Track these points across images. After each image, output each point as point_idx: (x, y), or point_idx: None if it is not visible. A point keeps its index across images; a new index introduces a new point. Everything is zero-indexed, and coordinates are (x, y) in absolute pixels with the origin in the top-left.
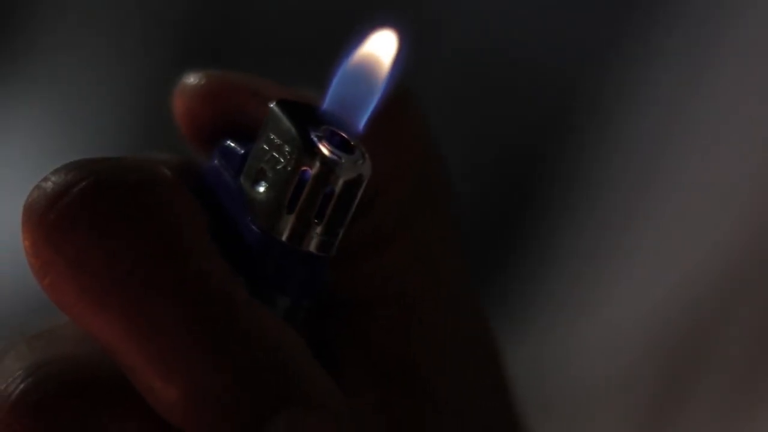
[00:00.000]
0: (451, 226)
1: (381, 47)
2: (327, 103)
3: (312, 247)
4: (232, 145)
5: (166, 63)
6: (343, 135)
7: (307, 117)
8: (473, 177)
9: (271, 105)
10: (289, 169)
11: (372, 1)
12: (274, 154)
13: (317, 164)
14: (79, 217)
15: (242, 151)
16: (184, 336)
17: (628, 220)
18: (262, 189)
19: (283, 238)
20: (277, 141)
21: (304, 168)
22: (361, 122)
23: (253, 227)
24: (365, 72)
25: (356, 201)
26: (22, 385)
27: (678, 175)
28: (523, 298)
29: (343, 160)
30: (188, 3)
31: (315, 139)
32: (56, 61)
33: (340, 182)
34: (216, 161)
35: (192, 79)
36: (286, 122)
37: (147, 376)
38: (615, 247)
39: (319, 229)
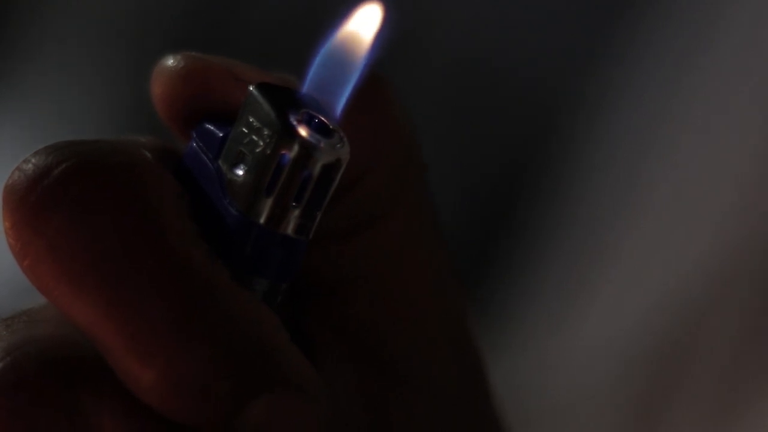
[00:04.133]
0: (430, 214)
1: (363, 25)
2: (306, 85)
3: (290, 230)
4: (211, 127)
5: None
6: (322, 119)
7: (287, 100)
8: (455, 188)
9: (251, 88)
10: (268, 152)
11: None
12: (254, 137)
13: (296, 148)
14: (59, 199)
15: (221, 134)
16: (163, 318)
17: (609, 234)
18: (240, 172)
19: (261, 220)
20: (257, 124)
21: (283, 151)
22: (340, 104)
23: (232, 210)
24: (345, 53)
25: (334, 185)
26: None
27: (659, 189)
28: (503, 311)
29: (321, 144)
30: (182, 8)
31: (294, 122)
32: (45, 67)
33: (319, 166)
34: (194, 144)
35: (170, 61)
36: (266, 105)
37: (125, 359)
38: (596, 260)
39: (297, 212)
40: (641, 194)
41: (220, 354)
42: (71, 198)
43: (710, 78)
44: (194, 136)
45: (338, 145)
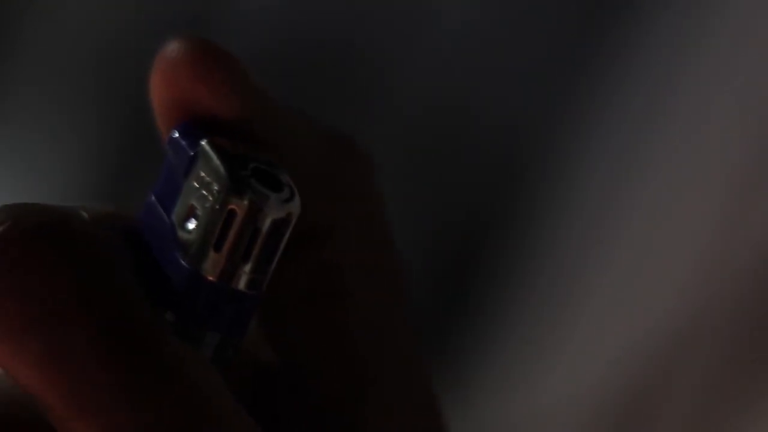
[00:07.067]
0: (400, 279)
1: None
2: None
3: (241, 285)
4: (183, 143)
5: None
6: (273, 173)
7: (237, 155)
8: (418, 240)
9: (202, 143)
10: (216, 207)
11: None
12: (204, 192)
13: (244, 203)
14: None
15: (191, 153)
16: (103, 376)
17: (575, 285)
18: (191, 227)
19: (211, 276)
20: (207, 179)
21: (232, 206)
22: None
23: (184, 264)
24: None
25: (285, 239)
26: None
27: (624, 240)
28: (467, 368)
29: (270, 199)
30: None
31: (243, 177)
32: (25, 105)
33: (268, 221)
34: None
35: (177, 44)
36: (215, 160)
37: (65, 418)
38: (562, 312)
39: (247, 267)
40: (606, 254)
41: (160, 412)
42: (8, 260)
43: (680, 136)
44: (167, 147)
45: (288, 200)
